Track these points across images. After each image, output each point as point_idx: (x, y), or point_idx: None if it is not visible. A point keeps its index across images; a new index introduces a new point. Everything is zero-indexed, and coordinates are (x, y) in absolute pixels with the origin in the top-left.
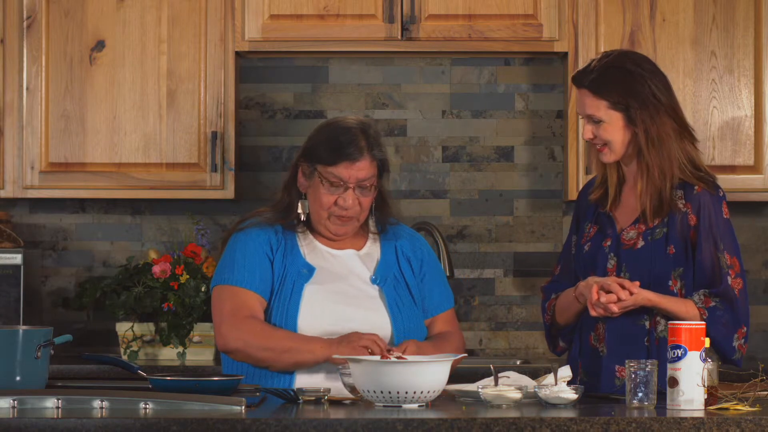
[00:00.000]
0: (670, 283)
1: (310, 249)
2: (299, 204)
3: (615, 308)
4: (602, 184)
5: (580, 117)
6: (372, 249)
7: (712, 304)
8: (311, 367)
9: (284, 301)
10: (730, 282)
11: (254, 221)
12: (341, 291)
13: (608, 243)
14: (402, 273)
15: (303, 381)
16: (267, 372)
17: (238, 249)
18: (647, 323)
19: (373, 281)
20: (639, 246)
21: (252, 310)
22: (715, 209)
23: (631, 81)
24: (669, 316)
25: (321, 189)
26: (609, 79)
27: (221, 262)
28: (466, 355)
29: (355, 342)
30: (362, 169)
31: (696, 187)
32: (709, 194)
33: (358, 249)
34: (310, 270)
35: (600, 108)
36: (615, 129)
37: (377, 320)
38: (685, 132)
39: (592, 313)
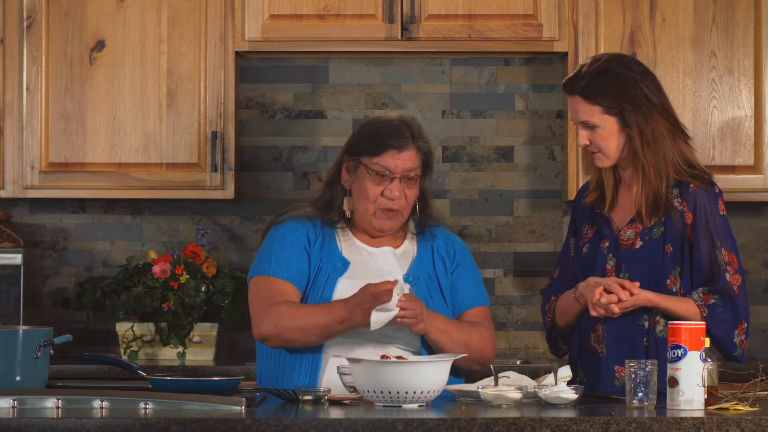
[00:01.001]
0: (669, 282)
1: (348, 245)
2: (345, 200)
3: (616, 309)
4: (597, 187)
5: (573, 123)
6: (409, 248)
7: (712, 301)
8: (344, 334)
9: (318, 292)
10: (728, 279)
11: (293, 214)
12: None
13: (606, 244)
14: (436, 272)
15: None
16: (292, 367)
17: (277, 240)
18: (646, 323)
19: (406, 279)
20: (637, 246)
21: (286, 297)
22: (711, 206)
23: (622, 84)
24: (669, 316)
25: (367, 181)
26: (601, 84)
27: (259, 253)
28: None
29: (366, 300)
30: (408, 159)
31: (691, 185)
32: (705, 191)
33: (396, 247)
34: (345, 264)
35: (594, 114)
36: (610, 133)
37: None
38: (678, 131)
39: (593, 313)
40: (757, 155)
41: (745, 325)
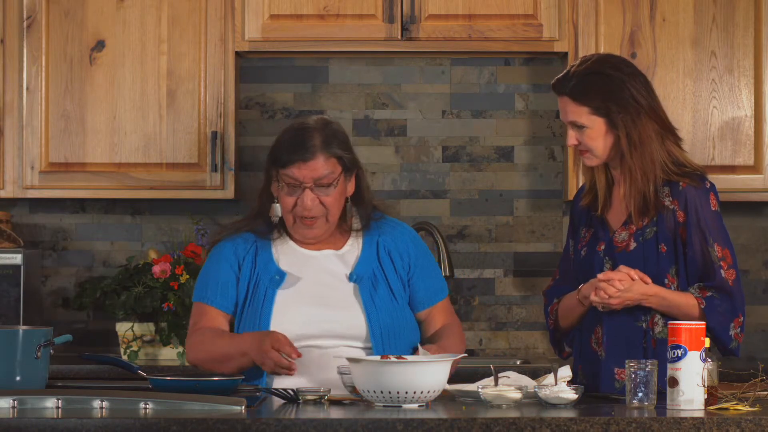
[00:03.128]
0: (667, 281)
1: (286, 252)
2: (271, 207)
3: (613, 302)
4: (592, 188)
5: (563, 123)
6: (352, 247)
7: (709, 294)
8: (251, 366)
9: (257, 308)
10: (723, 274)
11: (228, 232)
12: (314, 292)
13: (602, 247)
14: (382, 269)
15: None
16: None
17: (210, 264)
18: (644, 325)
19: (350, 279)
20: (632, 248)
21: (212, 323)
22: (701, 202)
23: (611, 86)
24: (668, 315)
25: (282, 191)
26: (589, 85)
27: (199, 276)
28: (465, 354)
29: (265, 344)
30: (316, 168)
31: (681, 183)
32: (695, 188)
33: (338, 249)
34: (282, 275)
35: (582, 114)
36: (598, 134)
37: (351, 318)
38: (667, 132)
39: (593, 298)
40: (757, 155)
41: (742, 318)
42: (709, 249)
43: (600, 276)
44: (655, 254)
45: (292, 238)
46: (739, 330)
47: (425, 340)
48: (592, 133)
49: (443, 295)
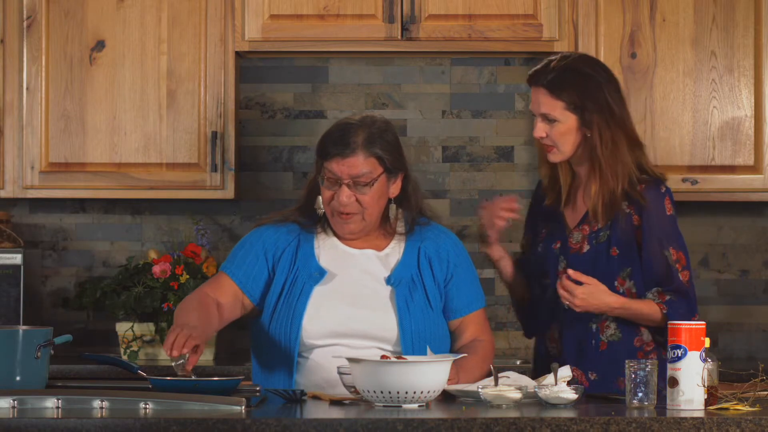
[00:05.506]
0: (617, 284)
1: (328, 249)
2: (317, 199)
3: (578, 302)
4: (552, 185)
5: (533, 114)
6: (394, 250)
7: (668, 297)
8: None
9: (292, 301)
10: (681, 278)
11: (275, 218)
12: (350, 292)
13: (558, 245)
14: (421, 275)
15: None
16: (272, 367)
17: (243, 242)
18: (594, 326)
19: (388, 282)
20: (585, 250)
21: (217, 293)
22: (656, 206)
23: (589, 85)
24: (632, 320)
25: (324, 185)
26: (567, 81)
27: (232, 250)
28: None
29: (177, 320)
30: (354, 165)
31: (639, 187)
32: (651, 192)
33: (379, 250)
34: (321, 273)
35: (556, 108)
36: (568, 130)
37: (383, 321)
38: (635, 143)
39: (561, 292)
40: (757, 155)
41: (697, 317)
42: (665, 253)
43: (571, 272)
44: (605, 258)
45: (334, 233)
46: None
47: (453, 351)
48: (563, 128)
49: (477, 307)
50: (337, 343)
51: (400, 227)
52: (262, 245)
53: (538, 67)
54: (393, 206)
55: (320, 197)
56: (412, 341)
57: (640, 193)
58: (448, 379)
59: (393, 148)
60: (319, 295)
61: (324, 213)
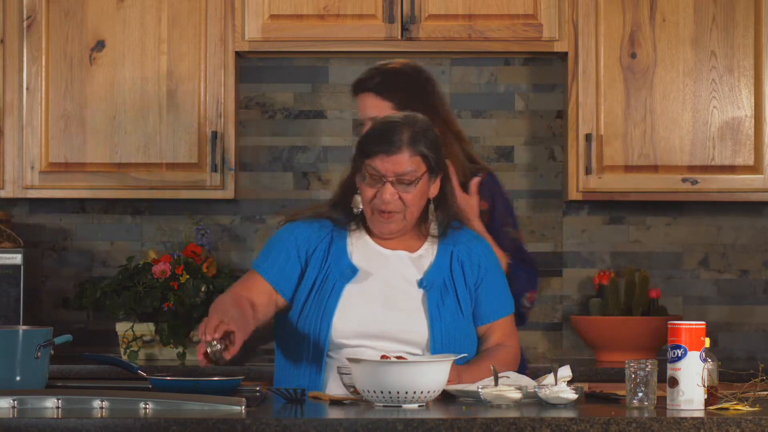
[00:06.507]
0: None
1: (360, 247)
2: (354, 198)
3: None
4: None
5: (360, 121)
6: (427, 252)
7: (512, 261)
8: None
9: (322, 299)
10: (527, 249)
11: (308, 214)
12: (382, 293)
13: None
14: (453, 279)
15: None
16: (297, 372)
17: (277, 240)
18: None
19: (420, 284)
20: None
21: (250, 293)
22: (498, 191)
23: (414, 85)
24: None
25: (364, 183)
26: (395, 82)
27: (264, 246)
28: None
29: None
30: (399, 162)
31: (480, 175)
32: (492, 179)
33: (412, 251)
34: (354, 271)
35: (384, 110)
36: None
37: (413, 324)
38: (461, 138)
39: None
40: (757, 155)
41: (535, 296)
42: (510, 230)
43: None
44: None
45: (368, 232)
46: (529, 305)
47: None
48: None
49: (504, 313)
50: (365, 345)
51: (433, 229)
52: (294, 242)
53: (361, 76)
54: (432, 207)
55: (357, 196)
56: (441, 346)
57: (484, 180)
58: (448, 380)
59: (436, 147)
60: (350, 293)
61: (360, 212)
